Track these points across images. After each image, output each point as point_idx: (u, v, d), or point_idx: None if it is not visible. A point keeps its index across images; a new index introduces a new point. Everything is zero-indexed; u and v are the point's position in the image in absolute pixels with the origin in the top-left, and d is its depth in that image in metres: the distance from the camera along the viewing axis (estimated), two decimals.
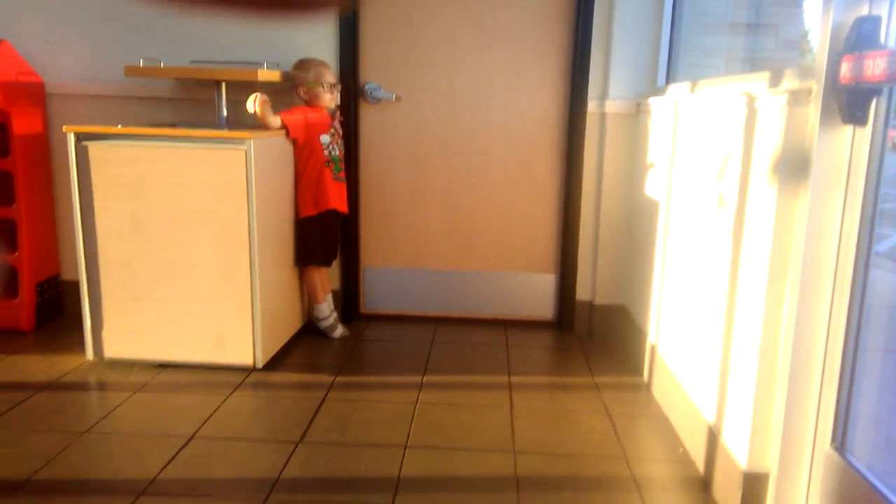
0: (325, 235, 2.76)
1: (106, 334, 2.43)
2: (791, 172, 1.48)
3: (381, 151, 3.03)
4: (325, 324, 2.83)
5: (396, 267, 3.12)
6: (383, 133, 3.02)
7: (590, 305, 2.99)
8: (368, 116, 3.01)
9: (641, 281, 2.61)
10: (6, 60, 2.66)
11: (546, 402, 2.29)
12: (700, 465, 1.85)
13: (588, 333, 3.00)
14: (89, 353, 2.44)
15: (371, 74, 2.97)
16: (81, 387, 2.29)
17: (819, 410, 1.47)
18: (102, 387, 2.30)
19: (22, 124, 2.71)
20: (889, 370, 1.52)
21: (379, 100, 2.98)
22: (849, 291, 1.40)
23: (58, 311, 2.96)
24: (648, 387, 2.42)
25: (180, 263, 2.37)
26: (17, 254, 2.74)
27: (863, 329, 1.40)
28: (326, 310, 2.84)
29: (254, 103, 2.43)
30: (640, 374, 2.53)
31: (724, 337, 1.76)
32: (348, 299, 3.06)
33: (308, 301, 2.85)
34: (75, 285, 2.51)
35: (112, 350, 2.44)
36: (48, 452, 1.83)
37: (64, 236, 2.96)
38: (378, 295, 3.16)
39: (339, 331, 2.85)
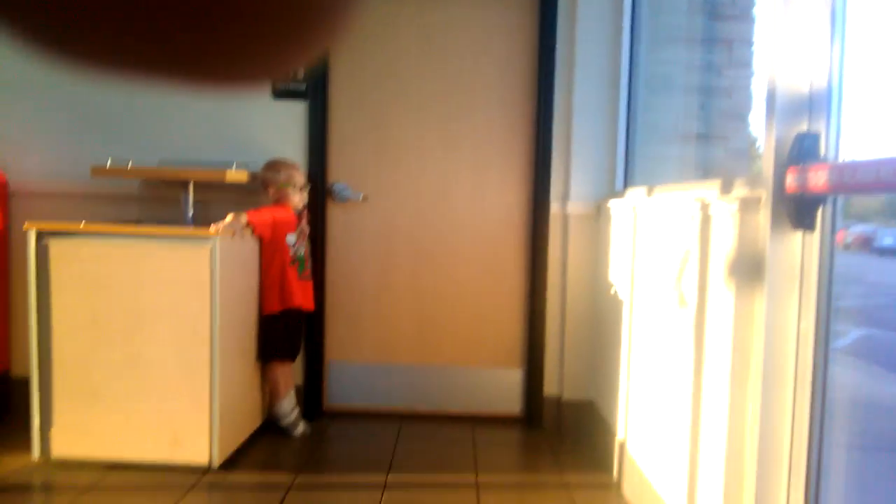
0: (288, 331, 2.73)
1: (55, 432, 2.32)
2: (746, 274, 1.54)
3: (349, 249, 3.07)
4: (286, 421, 2.75)
5: (362, 362, 3.09)
6: (350, 231, 3.07)
7: (558, 401, 2.98)
8: (336, 215, 3.06)
9: (608, 377, 2.63)
10: None
11: (515, 502, 2.23)
12: None
13: (556, 429, 2.97)
14: (36, 452, 2.32)
15: (339, 174, 3.05)
16: (24, 489, 2.16)
17: None
18: (48, 488, 2.17)
19: None
20: (854, 467, 1.54)
21: (346, 199, 3.04)
22: (810, 390, 1.44)
23: (4, 410, 2.82)
24: (618, 485, 2.39)
25: (138, 360, 2.31)
26: None
27: (826, 426, 1.43)
28: (288, 407, 2.76)
29: (222, 229, 2.36)
30: (610, 471, 2.51)
31: (690, 436, 1.77)
32: (311, 395, 3.00)
33: (269, 398, 2.78)
34: (25, 382, 2.41)
35: (60, 449, 2.32)
36: None
37: (16, 331, 2.86)
38: (343, 390, 3.10)
39: (301, 428, 2.77)
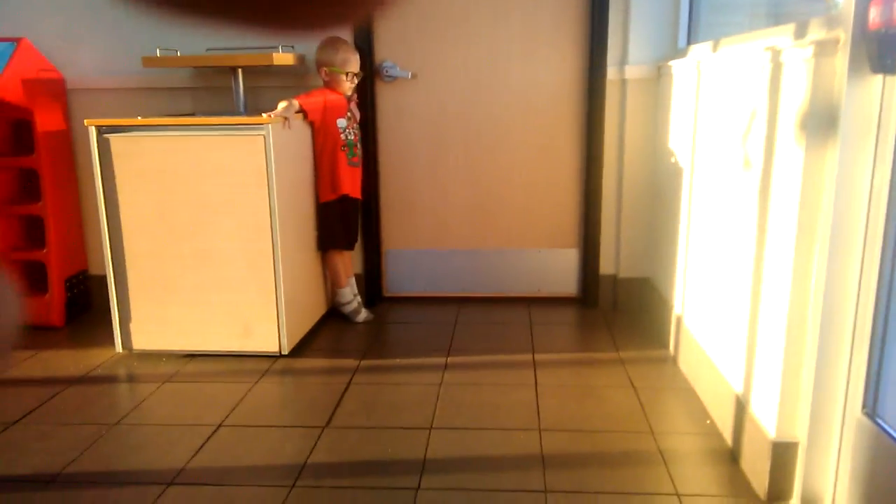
0: (345, 220, 2.74)
1: (134, 327, 2.46)
2: (818, 127, 1.40)
3: (399, 131, 3.00)
4: (348, 308, 2.82)
5: (418, 248, 3.10)
6: (400, 112, 2.98)
7: (614, 279, 2.93)
8: (385, 96, 2.97)
9: (666, 252, 2.54)
10: (27, 58, 2.69)
11: (571, 378, 2.25)
12: (728, 436, 1.80)
13: (612, 307, 2.94)
14: (118, 346, 2.47)
15: (386, 53, 2.93)
16: (111, 380, 2.32)
17: (849, 376, 1.41)
18: (132, 379, 2.33)
19: (45, 121, 2.74)
20: None
21: (395, 78, 2.93)
22: (880, 251, 1.33)
23: (87, 306, 3.01)
24: (674, 359, 2.36)
25: (205, 253, 2.38)
26: (45, 250, 2.78)
27: (894, 290, 1.32)
28: (349, 294, 2.83)
29: (274, 116, 2.33)
30: (666, 346, 2.47)
31: (751, 304, 1.69)
32: (371, 282, 3.05)
33: (331, 286, 2.85)
34: (103, 280, 2.54)
35: (140, 342, 2.47)
36: (80, 445, 1.86)
37: (90, 231, 3.00)
38: (401, 277, 3.14)
39: (363, 315, 2.84)
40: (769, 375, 1.57)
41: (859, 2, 1.31)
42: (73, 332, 2.78)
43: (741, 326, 1.75)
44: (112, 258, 2.42)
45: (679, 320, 2.33)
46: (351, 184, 2.70)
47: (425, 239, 3.09)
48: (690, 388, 2.13)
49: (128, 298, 2.44)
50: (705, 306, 2.08)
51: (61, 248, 2.83)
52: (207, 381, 2.28)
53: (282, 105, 2.41)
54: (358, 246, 2.93)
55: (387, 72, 2.91)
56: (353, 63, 2.64)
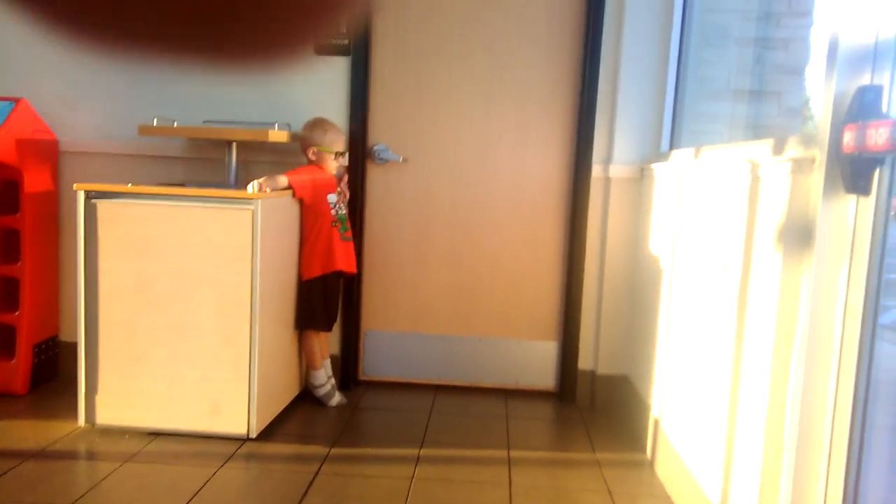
0: (327, 298, 2.72)
1: (100, 399, 2.38)
2: (795, 241, 1.43)
3: (387, 212, 3.03)
4: (321, 391, 2.76)
5: (397, 331, 3.07)
6: (389, 194, 3.02)
7: (592, 375, 2.90)
8: (375, 177, 3.02)
9: (644, 350, 2.53)
10: (23, 118, 2.71)
11: (546, 479, 2.19)
12: None
13: (590, 405, 2.89)
14: (81, 419, 2.38)
15: (380, 136, 3.00)
16: (70, 455, 2.22)
17: (826, 494, 1.38)
18: (92, 456, 2.23)
19: (33, 182, 2.74)
20: None
21: (386, 161, 2.99)
22: (855, 366, 1.33)
23: (53, 374, 2.92)
24: (651, 464, 2.31)
25: (180, 325, 2.34)
26: (17, 313, 2.72)
27: (869, 406, 1.32)
28: (324, 377, 2.77)
29: (256, 189, 2.36)
30: (643, 450, 2.42)
31: (728, 413, 1.67)
32: (347, 364, 3.00)
33: (305, 367, 2.79)
34: (73, 347, 2.48)
35: (105, 417, 2.38)
36: None
37: (65, 296, 2.95)
38: (378, 360, 3.09)
39: (336, 399, 2.78)
40: (746, 489, 1.53)
41: (834, 124, 1.36)
42: (37, 401, 2.69)
43: (719, 436, 1.72)
44: (86, 326, 2.37)
45: (657, 423, 2.29)
46: (345, 259, 2.70)
47: (405, 321, 3.06)
48: (667, 497, 2.08)
49: (96, 369, 2.38)
50: (683, 411, 2.06)
51: (34, 312, 2.78)
52: (170, 463, 2.19)
53: (263, 178, 2.42)
54: (336, 326, 2.90)
55: (379, 155, 2.97)
56: (340, 142, 2.71)
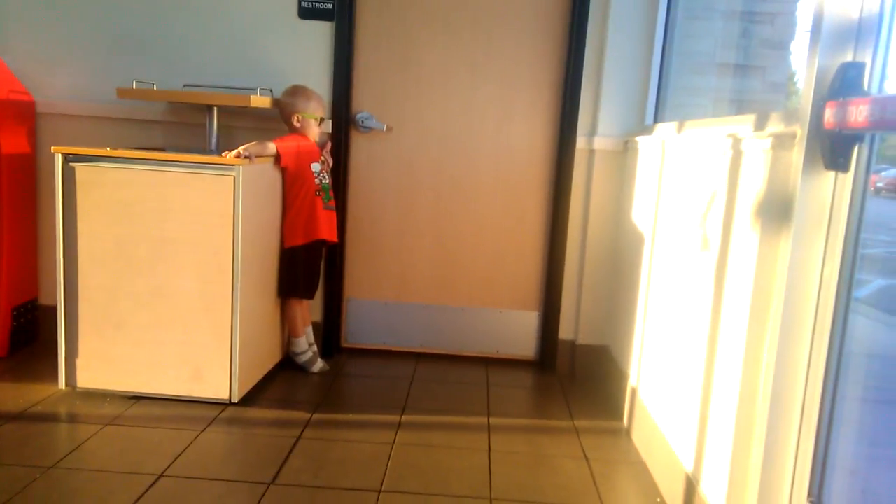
0: (309, 266, 2.72)
1: (80, 363, 2.38)
2: (774, 216, 1.45)
3: (370, 181, 3.02)
4: (303, 358, 2.77)
5: (380, 299, 3.09)
6: (373, 163, 3.01)
7: (572, 345, 2.94)
8: (359, 145, 3.00)
9: (624, 321, 2.57)
10: None
11: (524, 445, 2.23)
12: None
13: (570, 374, 2.94)
14: (62, 382, 2.38)
15: (363, 104, 2.97)
16: (51, 418, 2.22)
17: (797, 461, 1.43)
18: (73, 419, 2.23)
19: (9, 144, 2.69)
20: (867, 421, 1.48)
21: (370, 129, 2.97)
22: (828, 339, 1.36)
23: (33, 337, 2.90)
24: (628, 432, 2.37)
25: (161, 290, 2.33)
26: None
27: (841, 378, 1.36)
28: (305, 344, 2.78)
29: (238, 156, 2.31)
30: (621, 418, 2.48)
31: (703, 382, 1.72)
32: (329, 332, 3.01)
33: (287, 335, 2.80)
34: (53, 310, 2.47)
35: (85, 380, 2.38)
36: (12, 487, 1.77)
37: (44, 260, 2.92)
38: (361, 328, 3.11)
39: (318, 365, 2.79)
40: (719, 456, 1.58)
41: (816, 101, 1.37)
42: (16, 364, 2.67)
43: (693, 405, 1.77)
44: (65, 289, 2.35)
45: (634, 392, 2.34)
46: (328, 228, 2.69)
47: (387, 290, 3.08)
48: (643, 463, 2.13)
49: (76, 333, 2.37)
50: (660, 381, 2.10)
51: (12, 274, 2.75)
52: (152, 426, 2.20)
53: (251, 144, 2.40)
54: (318, 294, 2.90)
55: (363, 122, 2.95)
56: (321, 109, 2.70)
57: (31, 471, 1.86)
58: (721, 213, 1.70)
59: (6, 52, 2.77)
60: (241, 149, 2.34)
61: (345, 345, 3.11)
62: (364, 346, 3.11)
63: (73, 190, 2.31)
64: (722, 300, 1.65)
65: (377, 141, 3.00)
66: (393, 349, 3.10)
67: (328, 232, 2.69)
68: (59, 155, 2.30)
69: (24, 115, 2.80)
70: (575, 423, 2.43)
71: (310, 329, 2.85)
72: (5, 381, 2.49)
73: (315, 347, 2.85)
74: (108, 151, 2.32)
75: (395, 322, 3.10)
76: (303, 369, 2.77)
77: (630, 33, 2.74)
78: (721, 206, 1.70)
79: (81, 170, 2.31)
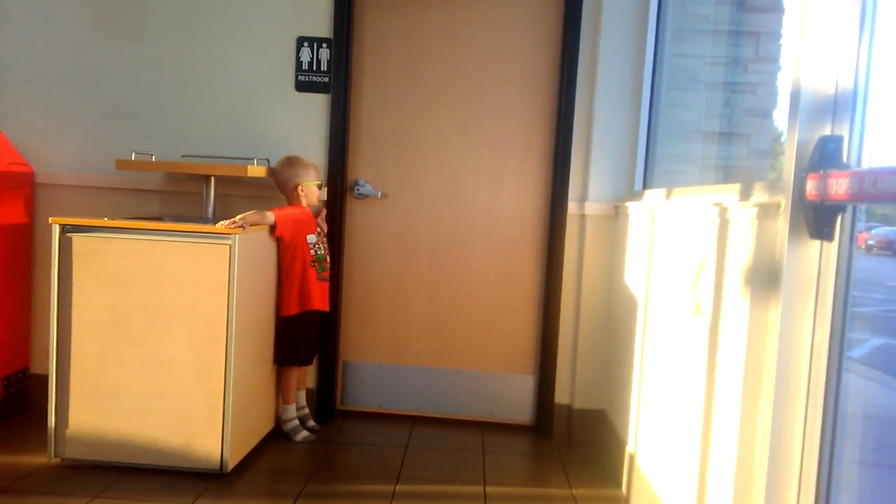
0: (307, 335, 2.72)
1: (70, 433, 2.34)
2: (762, 283, 1.48)
3: (366, 246, 3.06)
4: (288, 426, 2.74)
5: (375, 362, 3.08)
6: (369, 229, 3.06)
7: (569, 409, 2.92)
8: (355, 212, 3.06)
9: (620, 386, 2.56)
10: None
11: None
12: None
13: (567, 439, 2.91)
14: (51, 453, 2.34)
15: (359, 171, 3.05)
16: (38, 492, 2.18)
17: None
18: (61, 492, 2.18)
19: (7, 214, 2.72)
20: (866, 485, 1.47)
21: (365, 196, 3.03)
22: (822, 403, 1.37)
23: (24, 406, 2.86)
24: (627, 500, 2.33)
25: (154, 359, 2.32)
26: None
27: (838, 441, 1.36)
28: (293, 411, 2.75)
29: (234, 227, 2.32)
30: (619, 485, 2.44)
31: (700, 449, 1.71)
32: (323, 397, 2.98)
33: (279, 401, 2.77)
34: (44, 379, 2.44)
35: (75, 451, 2.34)
36: None
37: (38, 328, 2.90)
38: (356, 390, 3.10)
39: (302, 434, 2.75)
40: None
41: (797, 172, 1.42)
42: (6, 434, 2.63)
43: (691, 472, 1.75)
44: (57, 359, 2.34)
45: (632, 458, 2.32)
46: (320, 298, 2.71)
47: (383, 353, 3.08)
48: None
49: (67, 403, 2.34)
50: (658, 447, 2.09)
51: (4, 343, 2.73)
52: (141, 499, 2.15)
53: (250, 214, 2.43)
54: (316, 358, 2.88)
55: (358, 190, 3.02)
56: (318, 175, 2.77)
57: None
58: (711, 279, 1.72)
59: (6, 124, 2.83)
60: (237, 218, 2.37)
61: (341, 407, 3.09)
62: (360, 409, 3.09)
63: (69, 260, 2.33)
64: (715, 367, 1.66)
65: (373, 207, 3.06)
66: (388, 412, 3.08)
67: (320, 302, 2.71)
68: (57, 226, 2.33)
69: (22, 185, 2.84)
70: (573, 491, 2.39)
71: (303, 394, 2.83)
72: None
73: (306, 411, 2.82)
74: (105, 222, 2.35)
75: (390, 385, 3.09)
76: (287, 437, 2.73)
77: (617, 101, 2.83)
78: (711, 273, 1.73)
79: (78, 240, 2.33)
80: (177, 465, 2.32)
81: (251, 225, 2.40)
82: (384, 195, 3.04)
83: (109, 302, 2.32)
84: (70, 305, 2.33)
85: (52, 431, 2.34)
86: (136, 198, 2.91)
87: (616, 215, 2.83)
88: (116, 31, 2.90)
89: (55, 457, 2.34)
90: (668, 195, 2.25)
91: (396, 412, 3.07)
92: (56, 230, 2.33)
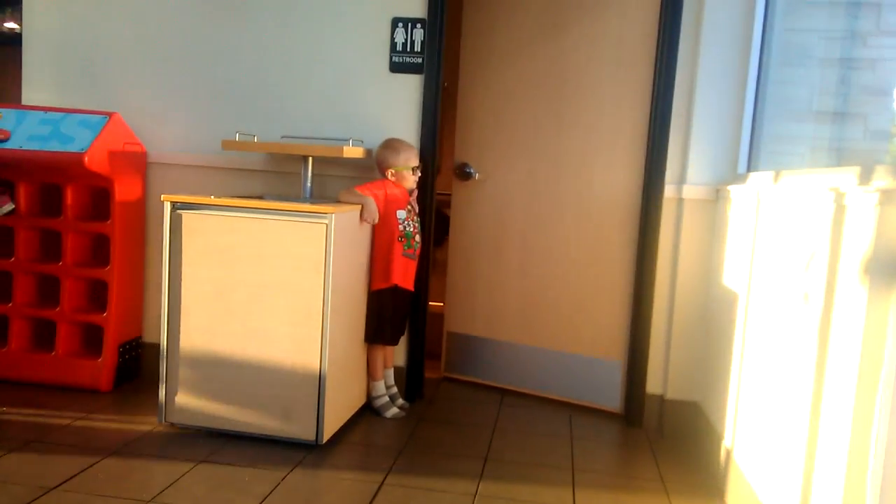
0: (396, 312, 2.77)
1: (178, 400, 2.49)
2: (883, 275, 1.38)
3: (467, 225, 3.28)
4: (378, 402, 2.81)
5: (475, 334, 3.28)
6: (470, 207, 3.28)
7: (661, 400, 2.84)
8: (459, 192, 3.30)
9: (718, 378, 2.47)
10: (115, 131, 2.87)
11: None
12: None
13: (658, 430, 2.83)
14: (161, 418, 2.50)
15: (463, 154, 3.27)
16: (149, 454, 2.33)
17: None
18: (169, 455, 2.33)
19: (123, 191, 2.90)
20: None
21: (470, 177, 3.23)
22: None
23: (135, 374, 3.07)
24: (722, 495, 2.25)
25: (255, 333, 2.43)
26: (105, 314, 2.87)
27: None
28: (382, 388, 2.82)
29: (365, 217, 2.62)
30: (714, 480, 2.36)
31: (807, 449, 1.62)
32: (412, 376, 3.03)
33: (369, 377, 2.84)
34: (154, 348, 2.60)
35: (182, 417, 2.49)
36: None
37: (149, 300, 3.09)
38: (457, 360, 3.35)
39: (392, 411, 2.81)
40: None
41: None
42: (119, 399, 2.83)
43: (796, 472, 1.67)
44: (168, 329, 2.49)
45: (729, 454, 2.23)
46: (403, 274, 2.75)
47: (481, 326, 3.27)
48: None
49: (176, 371, 2.49)
50: (758, 444, 2.00)
51: (120, 313, 2.93)
52: (242, 465, 2.27)
53: (343, 192, 2.61)
54: (403, 338, 2.93)
55: (464, 169, 3.21)
56: (414, 158, 2.78)
57: None
58: (824, 269, 1.62)
59: (122, 106, 3.00)
60: (367, 215, 2.60)
61: (444, 374, 3.38)
62: (460, 378, 3.32)
63: (179, 236, 2.46)
64: (826, 361, 1.57)
65: (474, 188, 3.25)
66: (484, 383, 3.26)
67: (402, 278, 2.74)
68: (168, 203, 2.47)
69: (137, 165, 3.01)
70: (665, 484, 2.33)
71: (390, 372, 2.89)
72: (109, 415, 2.64)
73: (395, 390, 2.88)
74: (212, 200, 2.46)
75: (485, 357, 3.27)
76: (377, 413, 2.80)
77: (721, 78, 2.70)
78: (824, 263, 1.63)
79: (188, 217, 2.45)
80: (276, 434, 2.43)
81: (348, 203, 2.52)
82: (483, 177, 3.18)
83: (215, 276, 2.44)
84: (180, 279, 2.47)
85: (163, 398, 2.50)
86: (239, 177, 3.03)
87: (717, 199, 2.71)
88: (221, 15, 3.01)
89: (165, 421, 2.50)
90: (777, 177, 2.13)
91: (489, 384, 3.24)
92: (168, 207, 2.46)
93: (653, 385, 2.85)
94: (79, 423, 2.54)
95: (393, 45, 2.91)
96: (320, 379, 2.39)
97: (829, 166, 2.08)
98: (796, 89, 2.81)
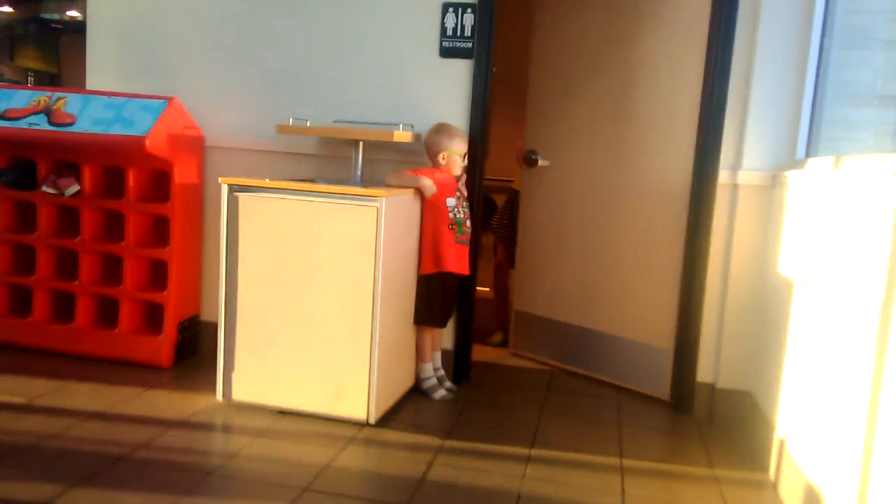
0: (444, 296, 2.80)
1: (236, 377, 2.58)
2: None
3: (535, 208, 3.43)
4: (426, 384, 2.85)
5: (538, 314, 3.43)
6: (536, 191, 3.42)
7: (711, 388, 2.81)
8: (527, 179, 3.45)
9: (771, 367, 2.43)
10: (175, 116, 2.96)
11: (661, 491, 2.17)
12: None
13: (708, 418, 2.80)
14: (219, 394, 2.59)
15: (531, 142, 3.40)
16: (209, 427, 2.43)
17: None
18: (228, 429, 2.42)
19: (182, 174, 2.99)
20: None
21: (534, 165, 3.35)
22: None
23: (194, 350, 3.18)
24: (775, 485, 2.22)
25: (308, 313, 2.49)
26: (165, 293, 2.98)
27: None
28: (430, 370, 2.86)
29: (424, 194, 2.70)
30: (766, 470, 2.34)
31: (864, 441, 1.60)
32: (460, 358, 3.06)
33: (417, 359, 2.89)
34: (213, 326, 2.70)
35: (239, 393, 2.58)
36: (175, 490, 1.95)
37: (207, 279, 3.20)
38: (522, 337, 3.52)
39: (440, 393, 2.85)
40: None
41: None
42: (179, 375, 2.95)
43: (853, 463, 1.65)
44: (225, 308, 2.57)
45: (782, 444, 2.20)
46: (456, 261, 2.77)
47: (544, 306, 3.41)
48: None
49: (234, 349, 2.58)
50: (814, 434, 1.97)
51: (180, 292, 3.03)
52: (297, 441, 2.34)
53: (392, 174, 2.70)
54: (450, 322, 2.96)
55: (531, 156, 3.35)
56: (465, 144, 2.80)
57: (190, 476, 2.04)
58: (886, 257, 1.59)
59: (181, 91, 3.09)
60: (429, 193, 2.68)
61: (510, 350, 3.58)
62: (524, 354, 3.51)
63: (236, 217, 2.54)
64: (886, 351, 1.53)
65: (540, 174, 3.37)
66: (539, 360, 3.43)
67: (455, 265, 2.77)
68: (226, 185, 2.54)
69: (195, 148, 3.10)
70: (715, 471, 2.32)
71: (438, 355, 2.93)
72: (170, 390, 2.75)
73: (442, 373, 2.92)
74: (267, 183, 2.53)
75: (545, 336, 3.41)
76: (426, 395, 2.84)
77: (779, 61, 2.63)
78: (886, 250, 1.59)
79: (244, 199, 2.53)
80: (328, 412, 2.50)
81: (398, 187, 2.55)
82: (547, 164, 3.31)
83: (270, 257, 2.51)
84: (236, 259, 2.55)
85: (221, 374, 2.59)
86: (292, 161, 3.09)
87: (773, 185, 2.65)
88: (275, 4, 3.07)
89: (223, 397, 2.59)
90: (837, 163, 2.07)
91: (545, 361, 3.39)
92: (225, 189, 2.54)
93: (703, 374, 2.82)
94: (142, 396, 2.65)
95: (443, 30, 2.91)
96: (371, 359, 2.44)
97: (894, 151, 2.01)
98: (859, 72, 2.71)
